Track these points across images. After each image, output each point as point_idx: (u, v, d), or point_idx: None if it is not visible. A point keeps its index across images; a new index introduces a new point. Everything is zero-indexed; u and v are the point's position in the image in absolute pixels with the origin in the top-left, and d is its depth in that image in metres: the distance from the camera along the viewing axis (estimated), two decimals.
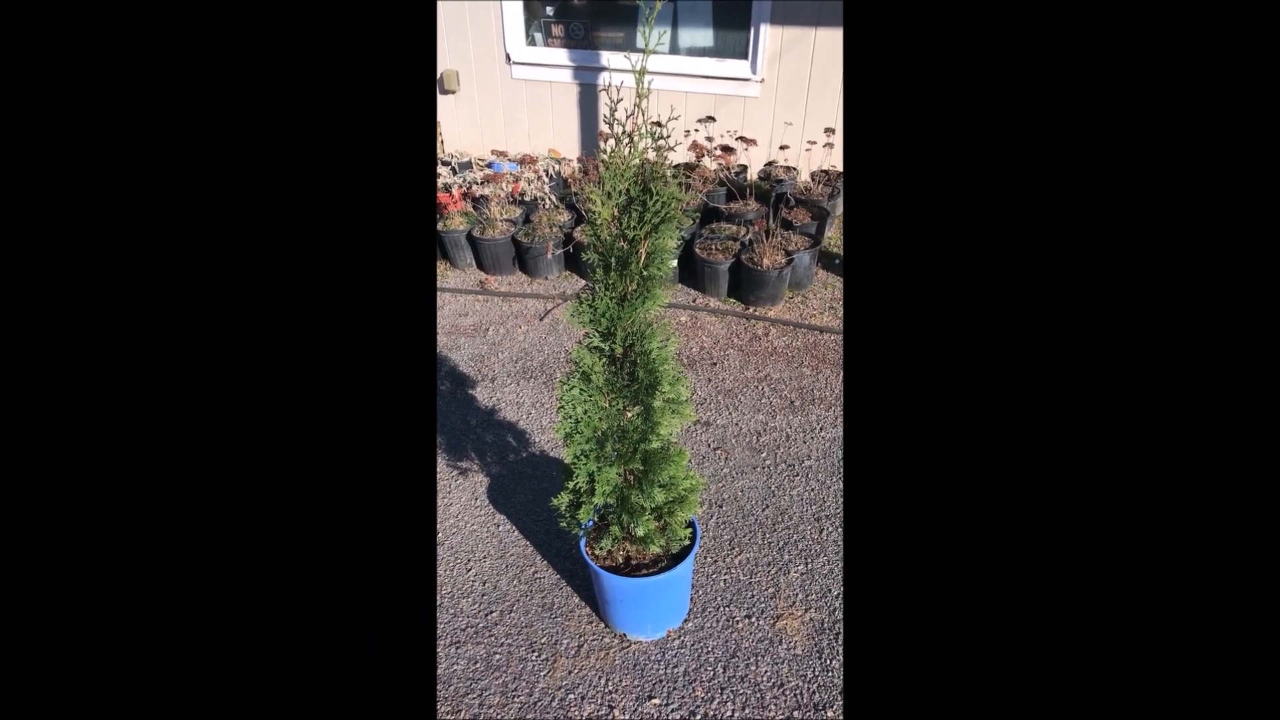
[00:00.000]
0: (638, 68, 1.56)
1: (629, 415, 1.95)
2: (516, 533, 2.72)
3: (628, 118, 1.63)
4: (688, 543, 2.16)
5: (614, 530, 2.08)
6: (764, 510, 2.78)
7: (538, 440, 3.23)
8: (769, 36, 5.26)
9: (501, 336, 4.01)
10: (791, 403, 3.40)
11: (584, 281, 4.53)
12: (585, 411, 1.89)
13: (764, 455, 3.07)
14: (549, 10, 5.85)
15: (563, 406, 1.89)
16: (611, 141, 1.64)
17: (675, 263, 3.98)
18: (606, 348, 1.82)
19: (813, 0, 4.91)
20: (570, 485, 1.98)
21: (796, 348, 3.82)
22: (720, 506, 2.80)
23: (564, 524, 2.10)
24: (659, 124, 1.65)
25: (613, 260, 1.71)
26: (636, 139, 1.64)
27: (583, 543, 2.16)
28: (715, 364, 3.71)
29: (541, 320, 4.16)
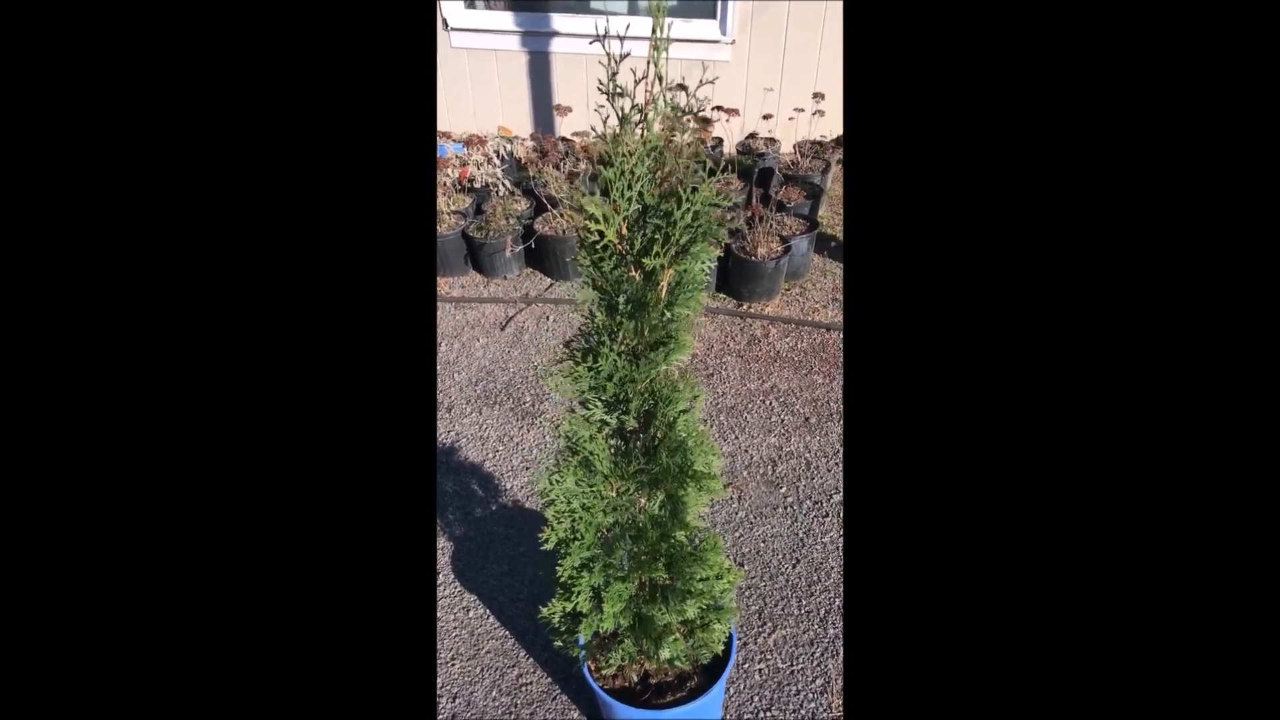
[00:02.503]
0: (655, 5, 0.99)
1: (643, 502, 1.41)
2: (491, 618, 2.17)
3: (637, 84, 1.06)
4: (722, 648, 1.65)
5: (627, 645, 1.56)
6: (794, 567, 2.29)
7: (509, 486, 2.66)
8: None
9: (457, 352, 3.41)
10: (806, 419, 2.90)
11: (549, 280, 3.94)
12: (585, 506, 1.34)
13: (784, 490, 2.58)
14: None
15: (553, 502, 1.34)
16: (613, 123, 1.08)
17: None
18: (614, 420, 1.27)
19: None
20: (567, 604, 1.44)
21: (802, 350, 3.32)
22: (741, 565, 2.30)
23: (558, 643, 1.57)
24: (683, 87, 1.09)
25: (620, 300, 1.15)
26: (651, 117, 1.08)
27: (585, 666, 1.62)
28: (712, 374, 3.19)
29: (503, 330, 3.56)
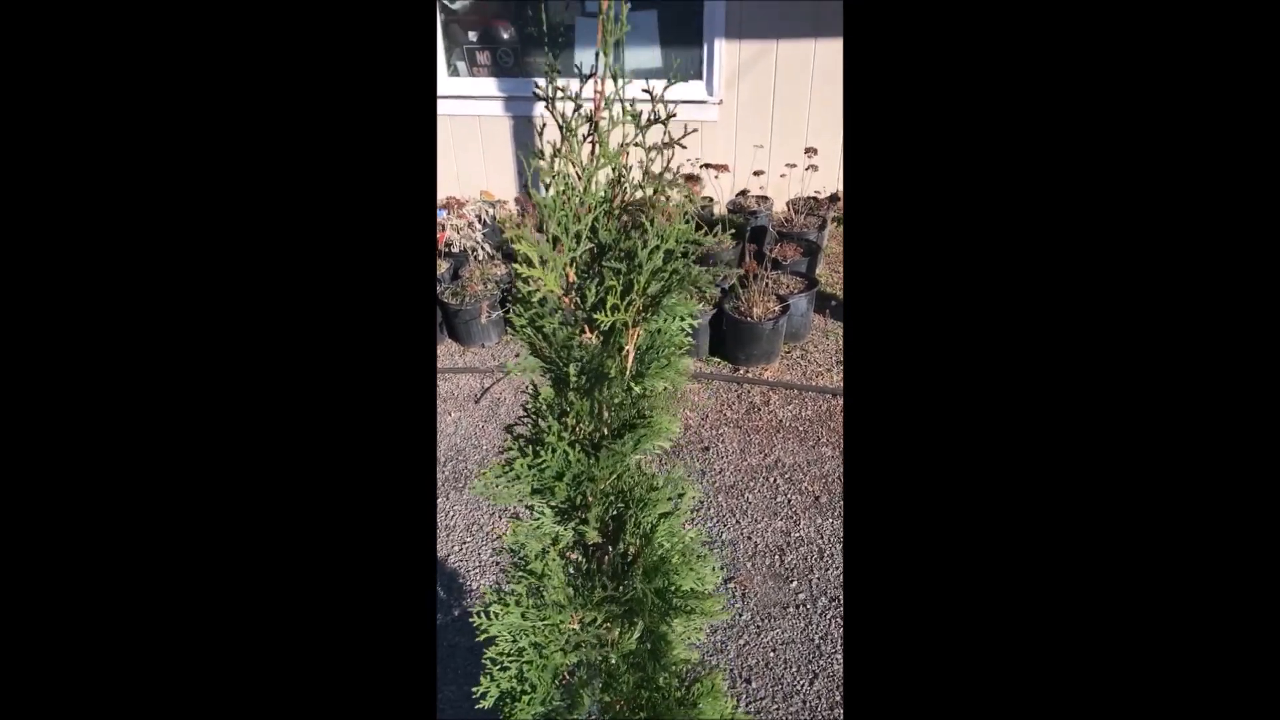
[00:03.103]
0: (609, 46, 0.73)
1: (614, 635, 1.07)
2: None
3: (585, 80, 0.79)
4: None
5: None
6: (811, 683, 1.91)
7: (474, 586, 2.30)
8: (725, 53, 4.60)
9: None
10: (816, 499, 2.56)
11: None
12: (536, 645, 1.01)
13: (794, 585, 2.22)
14: (471, 36, 5.08)
15: (494, 639, 1.01)
16: (552, 142, 0.80)
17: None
18: (570, 533, 0.95)
19: (774, 1, 4.26)
20: None
21: (807, 418, 3.00)
22: (748, 682, 1.92)
23: None
24: (664, 144, 0.82)
25: (570, 371, 0.85)
26: (603, 132, 0.80)
27: None
28: (708, 448, 2.86)
29: (478, 403, 3.26)
